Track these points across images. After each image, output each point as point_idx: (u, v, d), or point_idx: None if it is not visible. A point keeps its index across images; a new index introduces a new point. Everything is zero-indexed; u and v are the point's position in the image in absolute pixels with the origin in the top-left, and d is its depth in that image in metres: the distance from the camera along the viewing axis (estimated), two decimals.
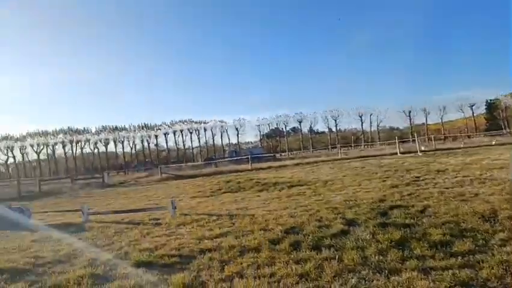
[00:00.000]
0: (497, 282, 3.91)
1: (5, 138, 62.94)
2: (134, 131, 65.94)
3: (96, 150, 65.67)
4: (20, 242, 7.89)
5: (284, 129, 68.88)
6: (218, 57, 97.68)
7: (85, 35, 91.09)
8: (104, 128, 65.03)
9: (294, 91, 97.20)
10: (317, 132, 71.95)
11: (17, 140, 63.20)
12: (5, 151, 62.72)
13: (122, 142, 65.50)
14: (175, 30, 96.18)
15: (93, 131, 65.09)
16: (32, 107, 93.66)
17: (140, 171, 41.81)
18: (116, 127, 65.32)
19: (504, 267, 4.19)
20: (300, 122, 66.38)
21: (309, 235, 6.08)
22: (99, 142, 65.16)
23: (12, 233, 9.16)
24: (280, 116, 66.37)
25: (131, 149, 66.66)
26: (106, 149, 65.72)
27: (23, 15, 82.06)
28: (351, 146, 56.82)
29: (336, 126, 64.77)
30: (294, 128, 71.71)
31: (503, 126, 56.64)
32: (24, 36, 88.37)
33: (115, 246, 6.71)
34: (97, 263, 5.60)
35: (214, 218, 8.60)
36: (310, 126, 67.18)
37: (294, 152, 61.37)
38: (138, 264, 5.36)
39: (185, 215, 9.42)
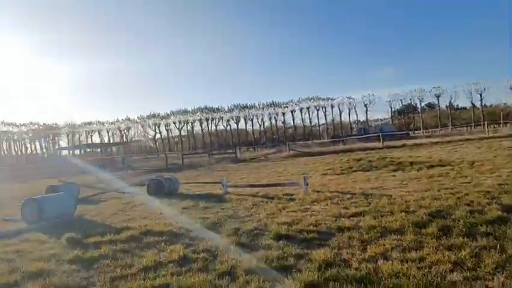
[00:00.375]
0: None
1: (153, 116, 71.52)
2: (263, 108, 68.40)
3: (228, 127, 70.28)
4: (174, 208, 8.90)
5: (418, 105, 63.83)
6: (346, 28, 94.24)
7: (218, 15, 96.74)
8: (235, 107, 68.93)
9: (431, 62, 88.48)
10: (457, 108, 64.84)
11: (162, 118, 71.26)
12: (153, 127, 71.58)
13: (252, 120, 68.69)
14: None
15: (226, 109, 69.57)
16: (175, 89, 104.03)
17: (269, 148, 43.35)
18: (246, 105, 68.63)
19: None
20: (437, 97, 60.39)
21: (459, 220, 5.51)
22: (231, 120, 69.53)
23: (166, 200, 10.39)
24: (415, 90, 61.39)
25: (260, 126, 69.56)
26: (237, 126, 69.90)
27: None
28: (499, 123, 49.91)
29: (481, 101, 57.36)
30: (429, 103, 65.80)
31: None
32: (163, 20, 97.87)
33: (254, 218, 7.08)
34: (239, 233, 5.98)
35: (348, 196, 8.43)
36: (450, 102, 60.44)
37: (430, 129, 56.49)
38: (278, 237, 5.53)
39: (318, 191, 9.44)
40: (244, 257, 4.72)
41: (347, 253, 4.62)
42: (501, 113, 55.19)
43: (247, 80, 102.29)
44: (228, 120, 69.52)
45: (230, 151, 36.56)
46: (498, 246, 4.34)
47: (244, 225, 6.54)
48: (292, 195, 9.32)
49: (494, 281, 3.58)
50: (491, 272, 3.77)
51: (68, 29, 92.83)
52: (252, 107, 68.53)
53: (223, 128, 70.58)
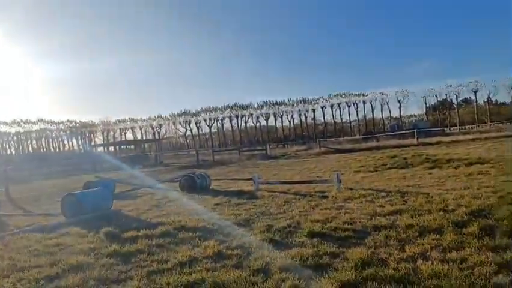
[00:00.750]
0: None
1: (184, 113, 72.61)
2: (293, 105, 68.07)
3: (258, 124, 70.36)
4: (206, 204, 8.99)
5: (455, 101, 61.67)
6: (378, 22, 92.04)
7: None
8: (265, 103, 68.92)
9: (467, 56, 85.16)
10: (496, 104, 62.18)
11: (193, 115, 72.22)
12: (184, 125, 72.72)
13: (281, 116, 68.55)
14: None
15: (255, 106, 69.64)
16: (203, 86, 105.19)
17: (299, 145, 43.10)
18: (276, 102, 68.45)
19: None
20: (475, 92, 58.12)
21: (502, 220, 5.26)
22: (260, 116, 69.55)
23: (198, 196, 10.51)
24: (451, 85, 59.33)
25: (290, 123, 69.29)
26: (267, 123, 69.95)
27: None
28: None
29: None
30: (465, 99, 63.51)
31: None
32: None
33: (286, 215, 7.03)
34: (272, 230, 5.94)
35: (383, 194, 8.26)
36: (488, 97, 57.95)
37: (466, 126, 54.54)
38: (311, 235, 5.46)
39: (351, 189, 9.28)
40: (278, 254, 4.69)
41: (384, 252, 4.50)
42: None
43: (275, 76, 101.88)
44: (258, 117, 69.61)
45: (260, 148, 36.60)
46: None
47: (276, 222, 6.51)
48: (324, 192, 9.21)
49: None
50: None
51: (100, 28, 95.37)
52: (281, 103, 68.33)
53: (253, 125, 70.76)
